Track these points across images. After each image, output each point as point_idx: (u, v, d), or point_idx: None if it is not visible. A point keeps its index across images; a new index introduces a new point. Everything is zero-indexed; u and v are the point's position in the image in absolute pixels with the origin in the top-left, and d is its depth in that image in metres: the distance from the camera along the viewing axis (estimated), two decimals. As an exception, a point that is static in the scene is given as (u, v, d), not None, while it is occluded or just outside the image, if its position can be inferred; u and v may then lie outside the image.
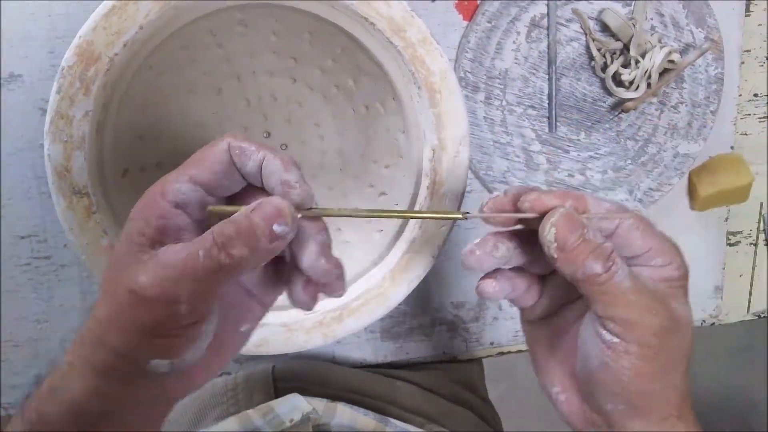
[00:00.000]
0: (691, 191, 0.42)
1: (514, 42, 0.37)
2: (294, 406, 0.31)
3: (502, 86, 0.37)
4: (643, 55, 0.37)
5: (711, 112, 0.40)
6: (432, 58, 0.28)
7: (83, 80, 0.26)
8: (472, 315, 0.39)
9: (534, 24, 0.37)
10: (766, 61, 0.41)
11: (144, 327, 0.19)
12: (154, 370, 0.19)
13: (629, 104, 0.37)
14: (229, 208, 0.20)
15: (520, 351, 0.40)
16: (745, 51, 0.41)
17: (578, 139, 0.39)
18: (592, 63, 0.38)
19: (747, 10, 0.40)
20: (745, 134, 0.42)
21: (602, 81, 0.38)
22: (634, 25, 0.37)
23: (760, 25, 0.41)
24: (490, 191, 0.39)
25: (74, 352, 0.20)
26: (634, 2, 0.37)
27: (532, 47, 0.37)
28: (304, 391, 0.33)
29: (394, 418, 0.34)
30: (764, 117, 0.42)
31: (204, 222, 0.21)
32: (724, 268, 0.43)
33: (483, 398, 0.42)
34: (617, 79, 0.38)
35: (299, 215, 0.20)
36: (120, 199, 0.29)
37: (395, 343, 0.39)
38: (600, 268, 0.19)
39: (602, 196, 0.40)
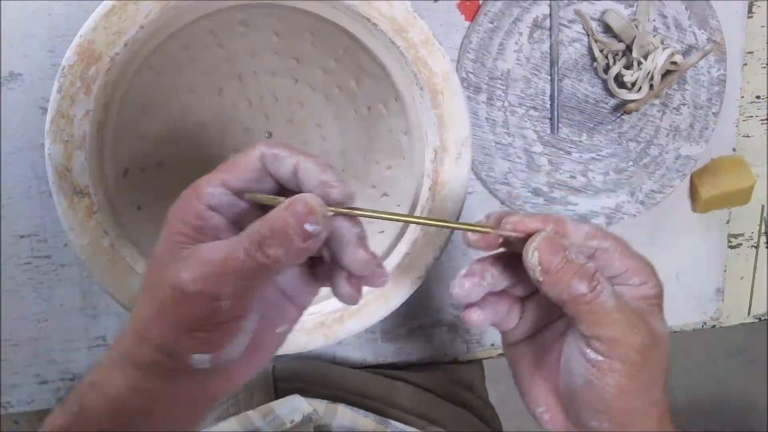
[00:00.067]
0: (693, 193, 0.42)
1: (516, 43, 0.37)
2: (294, 407, 0.31)
3: (504, 87, 0.37)
4: (645, 57, 0.37)
5: (713, 113, 0.40)
6: (434, 59, 0.28)
7: (84, 79, 0.26)
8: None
9: (536, 25, 0.37)
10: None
11: (186, 322, 0.19)
12: (195, 366, 0.20)
13: (631, 106, 0.37)
14: (269, 199, 0.21)
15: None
16: (747, 53, 0.41)
17: (580, 141, 0.39)
18: (595, 64, 0.38)
19: (749, 11, 0.40)
20: (747, 136, 0.42)
21: (604, 82, 0.38)
22: (636, 27, 0.36)
23: (762, 26, 0.41)
24: (491, 192, 0.39)
25: (116, 349, 0.21)
26: (636, 3, 0.37)
27: (534, 48, 0.37)
28: (305, 392, 0.33)
29: (394, 419, 0.34)
30: (766, 119, 0.42)
31: (240, 220, 0.21)
32: (725, 271, 0.43)
33: (483, 399, 0.42)
34: (619, 81, 0.37)
35: (331, 213, 0.20)
36: (121, 199, 0.29)
37: (396, 343, 0.39)
38: (585, 288, 0.20)
39: (603, 196, 0.40)
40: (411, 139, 0.31)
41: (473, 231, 0.21)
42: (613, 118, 0.39)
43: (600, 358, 0.20)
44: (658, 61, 0.36)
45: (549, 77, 0.38)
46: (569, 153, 0.39)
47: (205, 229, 0.20)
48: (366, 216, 0.21)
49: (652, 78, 0.37)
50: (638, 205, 0.40)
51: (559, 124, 0.38)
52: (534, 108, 0.38)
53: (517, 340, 0.24)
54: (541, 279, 0.20)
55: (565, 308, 0.20)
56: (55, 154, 0.26)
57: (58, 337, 0.35)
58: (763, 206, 0.44)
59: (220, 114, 0.32)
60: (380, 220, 0.21)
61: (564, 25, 0.37)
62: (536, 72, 0.38)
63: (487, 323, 0.22)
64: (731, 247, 0.44)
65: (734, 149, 0.42)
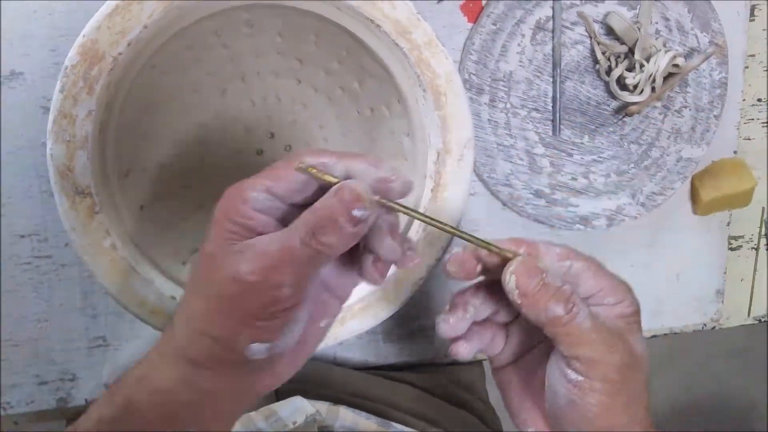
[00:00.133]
0: (694, 195, 0.42)
1: (518, 44, 0.37)
2: (297, 408, 0.31)
3: (506, 89, 0.37)
4: (647, 59, 0.37)
5: (714, 116, 0.40)
6: (437, 61, 0.28)
7: (87, 79, 0.26)
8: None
9: (539, 27, 0.37)
10: (770, 66, 0.41)
11: (247, 311, 0.20)
12: (252, 356, 0.20)
13: (633, 108, 0.37)
14: (324, 177, 0.21)
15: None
16: (749, 56, 0.41)
17: (582, 143, 0.39)
18: (597, 66, 0.38)
19: (751, 14, 0.40)
20: (748, 139, 0.42)
21: (606, 84, 0.38)
22: (639, 29, 0.36)
23: (764, 30, 0.41)
24: (493, 194, 0.39)
25: (166, 345, 0.21)
26: (639, 6, 0.37)
27: (536, 50, 0.37)
28: (306, 393, 0.33)
29: (396, 420, 0.34)
30: (767, 122, 0.42)
31: (284, 217, 0.21)
32: (725, 273, 0.43)
33: (484, 400, 0.42)
34: (621, 83, 0.37)
35: (376, 198, 0.21)
36: (123, 200, 0.29)
37: (397, 344, 0.39)
38: (561, 310, 0.21)
39: (605, 198, 0.40)
40: (413, 140, 0.31)
41: (494, 251, 0.22)
42: (615, 121, 0.39)
43: (580, 378, 0.21)
44: (660, 63, 0.36)
45: (551, 79, 0.38)
46: (571, 155, 0.39)
47: (254, 227, 0.21)
48: (400, 211, 0.21)
49: (654, 80, 0.37)
50: (639, 207, 0.40)
51: (561, 126, 0.38)
52: (536, 110, 0.38)
53: (503, 364, 0.24)
54: (519, 302, 0.21)
55: (545, 330, 0.21)
56: (57, 154, 0.26)
57: (58, 337, 0.35)
58: (763, 208, 0.44)
59: (222, 114, 0.32)
60: (407, 216, 0.22)
61: (567, 27, 0.37)
62: (539, 74, 0.38)
63: (474, 352, 0.23)
64: (731, 249, 0.44)
65: (735, 152, 0.42)
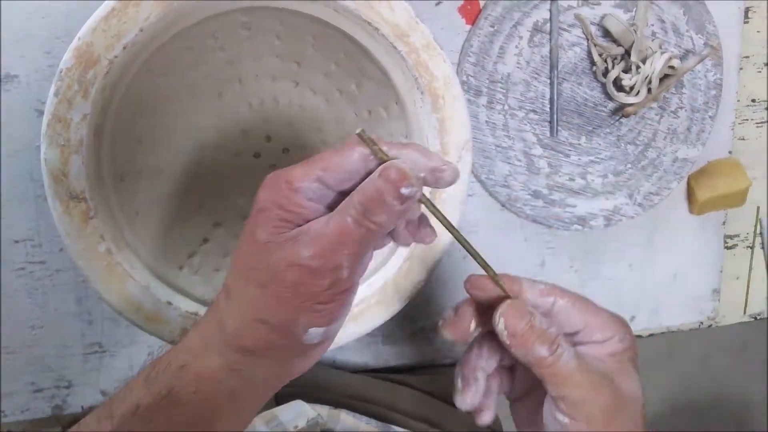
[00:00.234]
0: (690, 195, 0.42)
1: (516, 46, 0.37)
2: (298, 412, 0.31)
3: (504, 90, 0.37)
4: (643, 61, 0.37)
5: (710, 117, 0.40)
6: (435, 64, 0.28)
7: (82, 83, 0.25)
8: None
9: (536, 29, 0.37)
10: (765, 67, 0.42)
11: (308, 296, 0.20)
12: (309, 341, 0.21)
13: (630, 109, 0.38)
14: (380, 150, 0.21)
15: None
16: (743, 57, 0.41)
17: (579, 144, 0.39)
18: (594, 68, 0.38)
19: (746, 16, 0.40)
20: (743, 139, 0.43)
21: (603, 86, 0.38)
22: (635, 31, 0.37)
23: (758, 31, 0.41)
24: (491, 195, 0.39)
25: (212, 334, 0.21)
26: (635, 8, 0.37)
27: (534, 52, 0.37)
28: (306, 397, 0.33)
29: (396, 423, 0.34)
30: (762, 122, 0.43)
31: (330, 203, 0.22)
32: (721, 271, 0.44)
33: (483, 402, 0.42)
34: (618, 84, 0.38)
35: (422, 176, 0.21)
36: (118, 204, 0.29)
37: (396, 347, 0.39)
38: (546, 351, 0.21)
39: (602, 198, 0.40)
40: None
41: (490, 275, 0.23)
42: (612, 122, 0.39)
43: (566, 419, 0.21)
44: (656, 65, 0.36)
45: (549, 81, 0.38)
46: (568, 156, 0.39)
47: (306, 216, 0.21)
48: (429, 208, 0.22)
49: (650, 82, 0.37)
50: (636, 207, 0.41)
51: (559, 127, 0.38)
52: (534, 111, 0.38)
53: (514, 398, 0.25)
54: (508, 342, 0.22)
55: (533, 371, 0.22)
56: (51, 158, 0.26)
57: (53, 343, 0.35)
58: (758, 208, 0.44)
59: (219, 117, 0.32)
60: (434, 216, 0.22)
61: (564, 29, 0.37)
62: (536, 75, 0.38)
63: (494, 408, 0.24)
64: (727, 247, 0.44)
65: (730, 152, 0.42)
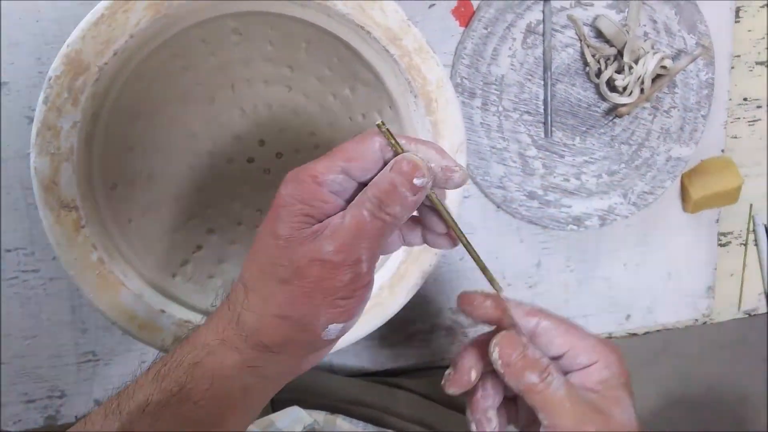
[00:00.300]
0: (684, 194, 0.42)
1: (510, 48, 0.37)
2: (294, 418, 0.30)
3: (498, 92, 0.37)
4: (636, 61, 0.37)
5: (702, 116, 0.40)
6: (428, 67, 0.28)
7: (71, 90, 0.25)
8: (471, 320, 0.39)
9: (529, 30, 0.37)
10: (763, 67, 0.42)
11: (330, 291, 0.20)
12: (328, 337, 0.21)
13: (623, 109, 0.38)
14: (397, 143, 0.21)
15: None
16: (735, 56, 0.41)
17: (573, 144, 0.39)
18: (587, 69, 0.38)
19: (737, 16, 0.41)
20: (735, 137, 0.43)
21: (596, 86, 0.38)
22: (627, 32, 0.37)
23: (749, 30, 0.41)
24: (487, 196, 0.39)
25: (228, 330, 0.21)
26: (627, 9, 0.37)
27: (527, 53, 0.37)
28: (302, 402, 0.32)
29: (393, 427, 0.34)
30: (754, 120, 0.43)
31: (353, 195, 0.22)
32: (715, 269, 0.44)
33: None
34: (611, 85, 0.38)
35: (432, 166, 0.22)
36: (110, 213, 0.28)
37: (393, 349, 0.39)
38: (536, 378, 0.22)
39: (596, 198, 0.40)
40: (407, 146, 0.31)
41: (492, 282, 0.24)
42: (606, 122, 0.39)
43: None
44: (648, 65, 0.37)
45: (542, 82, 0.38)
46: (563, 156, 0.39)
47: (329, 210, 0.21)
48: (438, 209, 0.22)
49: (642, 82, 0.37)
50: (630, 206, 0.41)
51: (553, 128, 0.38)
52: (528, 112, 0.38)
53: (521, 428, 0.25)
54: (502, 371, 0.22)
55: (526, 400, 0.22)
56: (41, 167, 0.26)
57: (47, 353, 0.34)
58: (751, 205, 0.44)
59: (211, 123, 0.31)
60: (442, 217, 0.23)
61: (557, 31, 0.37)
62: (530, 77, 0.38)
63: None
64: (721, 245, 0.44)
65: (723, 150, 0.42)
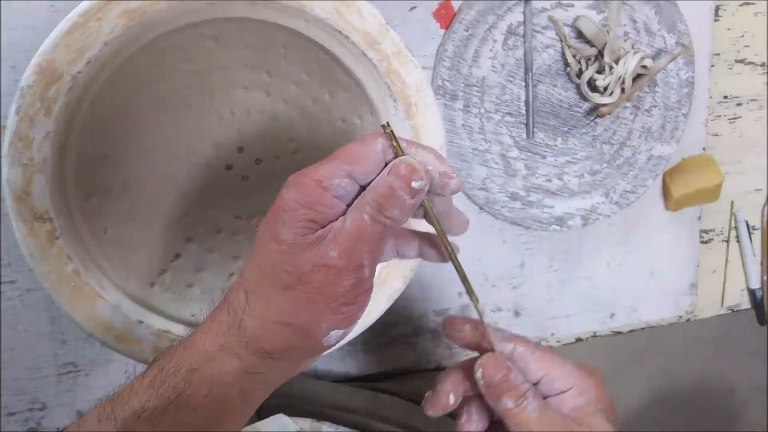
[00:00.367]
0: (665, 192, 0.43)
1: (491, 50, 0.37)
2: (280, 426, 0.30)
3: (479, 94, 0.37)
4: (616, 61, 0.37)
5: (683, 114, 0.41)
6: (407, 71, 0.28)
7: (44, 100, 0.25)
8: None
9: (510, 32, 0.37)
10: (742, 65, 0.42)
11: (333, 297, 0.20)
12: (329, 343, 0.21)
13: (604, 109, 0.38)
14: (399, 146, 0.21)
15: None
16: (714, 55, 0.42)
17: (555, 145, 0.39)
18: (568, 69, 0.38)
19: (716, 15, 0.41)
20: (716, 135, 0.43)
21: (578, 87, 0.38)
22: (607, 32, 0.37)
23: (729, 29, 0.42)
24: (470, 198, 0.39)
25: (229, 337, 0.21)
26: (607, 9, 0.37)
27: (508, 55, 0.37)
28: (288, 409, 0.32)
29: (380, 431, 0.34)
30: (734, 118, 0.43)
31: (354, 198, 0.22)
32: (698, 266, 0.44)
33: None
34: (592, 85, 0.38)
35: (429, 168, 0.22)
36: (85, 223, 0.28)
37: (378, 353, 0.39)
38: (512, 403, 0.23)
39: (579, 198, 0.41)
40: (387, 150, 0.30)
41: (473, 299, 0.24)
42: (587, 122, 0.39)
43: None
44: (629, 65, 0.37)
45: (524, 83, 0.38)
46: (545, 157, 0.39)
47: (332, 215, 0.21)
48: (430, 217, 0.23)
49: (623, 82, 0.37)
50: (613, 205, 0.41)
51: (535, 129, 0.39)
52: (510, 114, 0.38)
53: None
54: (483, 391, 0.23)
55: (504, 421, 0.23)
56: (13, 178, 0.25)
57: (26, 365, 0.34)
58: (732, 202, 0.45)
59: (189, 130, 0.31)
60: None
61: (537, 32, 0.37)
62: (511, 78, 0.38)
63: None
64: (703, 242, 0.45)
65: (704, 148, 0.43)
